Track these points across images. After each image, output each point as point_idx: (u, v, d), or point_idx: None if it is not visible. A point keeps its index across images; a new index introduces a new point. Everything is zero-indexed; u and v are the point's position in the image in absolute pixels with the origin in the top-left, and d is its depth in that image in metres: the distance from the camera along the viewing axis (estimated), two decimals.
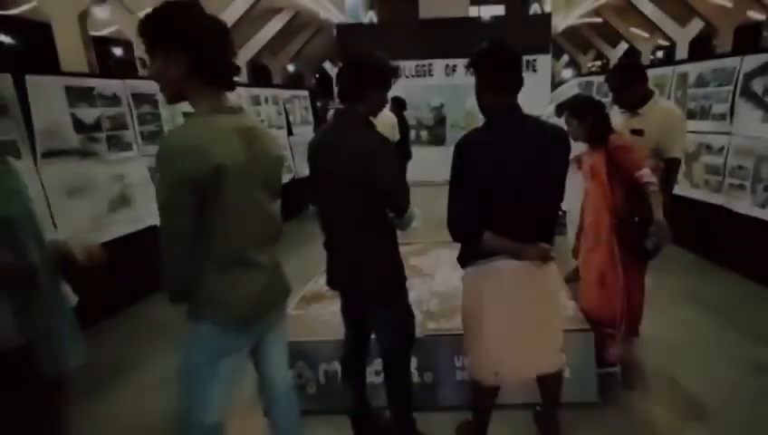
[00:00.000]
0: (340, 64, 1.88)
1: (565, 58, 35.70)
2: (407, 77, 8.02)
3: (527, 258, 1.80)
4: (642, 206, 2.31)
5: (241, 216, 1.35)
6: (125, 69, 16.02)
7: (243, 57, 23.15)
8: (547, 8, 18.81)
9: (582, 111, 2.46)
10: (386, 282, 1.88)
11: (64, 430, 1.63)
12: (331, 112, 6.97)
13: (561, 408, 2.25)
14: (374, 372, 2.38)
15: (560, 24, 21.82)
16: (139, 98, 3.95)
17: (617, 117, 3.02)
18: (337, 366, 2.41)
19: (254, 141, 1.40)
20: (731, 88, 4.17)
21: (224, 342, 1.42)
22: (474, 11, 15.46)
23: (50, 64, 12.38)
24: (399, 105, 6.11)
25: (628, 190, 2.37)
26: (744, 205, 4.06)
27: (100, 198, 3.57)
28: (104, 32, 16.90)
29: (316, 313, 2.74)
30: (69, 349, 1.56)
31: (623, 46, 31.34)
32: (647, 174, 2.28)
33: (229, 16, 18.44)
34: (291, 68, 26.01)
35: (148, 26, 1.28)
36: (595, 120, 2.42)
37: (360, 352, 2.14)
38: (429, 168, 7.03)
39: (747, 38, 24.07)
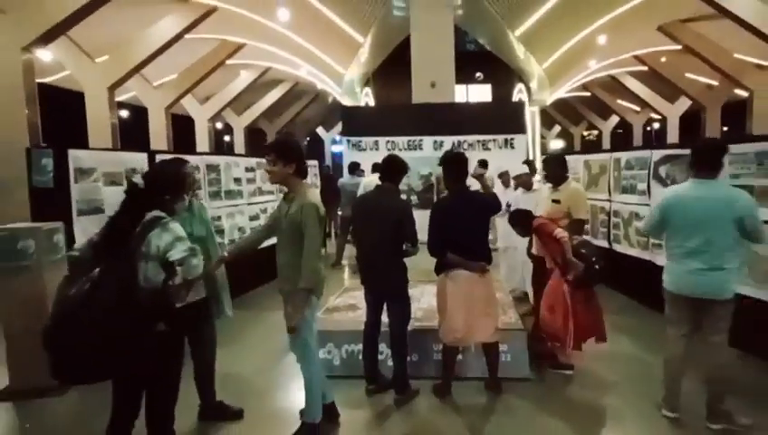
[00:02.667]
0: (385, 160, 3.72)
1: (557, 129, 38.95)
2: (400, 150, 9.89)
3: (472, 270, 3.45)
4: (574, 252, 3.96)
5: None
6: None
7: (241, 123, 25.71)
8: (533, 85, 21.51)
9: (516, 220, 4.19)
10: (399, 283, 3.60)
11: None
12: (350, 181, 8.64)
13: (504, 380, 3.79)
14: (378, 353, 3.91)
15: (547, 97, 24.63)
16: (209, 168, 5.78)
17: (546, 190, 4.76)
18: (353, 347, 3.97)
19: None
20: (646, 171, 5.99)
21: (316, 304, 3.10)
22: (460, 90, 17.96)
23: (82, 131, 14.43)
24: None
25: (556, 246, 4.01)
26: (662, 259, 5.73)
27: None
28: (120, 97, 19.20)
29: (335, 318, 4.37)
30: (226, 307, 3.19)
31: (614, 119, 34.74)
32: (559, 232, 3.96)
33: (235, 87, 20.97)
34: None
35: (281, 148, 3.02)
36: (523, 225, 4.16)
37: (376, 330, 3.77)
38: (418, 228, 8.70)
39: (734, 114, 26.81)
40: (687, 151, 5.14)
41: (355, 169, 8.94)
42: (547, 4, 14.41)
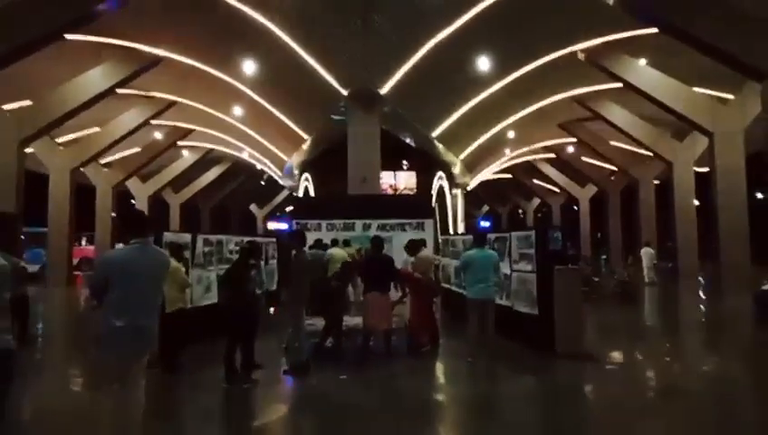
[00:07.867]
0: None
1: (485, 208, 46.17)
2: (338, 230, 15.02)
3: (379, 292, 8.53)
4: (426, 286, 9.19)
5: None
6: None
7: (177, 201, 30.14)
8: (455, 171, 27.82)
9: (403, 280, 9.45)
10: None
11: None
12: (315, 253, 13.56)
13: (392, 354, 8.76)
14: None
15: (470, 181, 31.13)
16: (219, 242, 10.55)
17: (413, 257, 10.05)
18: (314, 340, 8.84)
19: None
20: (488, 245, 11.38)
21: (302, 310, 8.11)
22: (387, 175, 23.83)
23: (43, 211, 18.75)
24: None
25: (413, 281, 9.20)
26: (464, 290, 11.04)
27: (204, 284, 9.89)
28: None
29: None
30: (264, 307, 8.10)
31: (536, 201, 42.35)
32: (413, 274, 9.20)
33: (177, 167, 25.61)
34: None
35: (297, 234, 8.14)
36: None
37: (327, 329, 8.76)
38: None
39: (629, 197, 34.19)
40: (506, 234, 10.73)
41: (319, 244, 13.68)
42: (457, 113, 20.75)
